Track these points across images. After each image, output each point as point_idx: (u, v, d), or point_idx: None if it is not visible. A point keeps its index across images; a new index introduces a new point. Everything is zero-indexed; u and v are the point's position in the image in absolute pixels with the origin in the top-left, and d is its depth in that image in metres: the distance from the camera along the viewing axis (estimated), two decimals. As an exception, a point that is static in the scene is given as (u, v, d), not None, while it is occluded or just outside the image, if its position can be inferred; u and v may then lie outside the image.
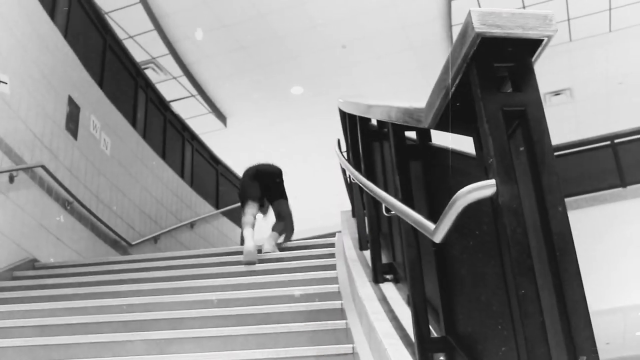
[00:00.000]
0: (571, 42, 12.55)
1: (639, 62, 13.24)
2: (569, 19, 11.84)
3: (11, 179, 6.45)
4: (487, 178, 1.55)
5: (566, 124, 14.61)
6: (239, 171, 13.96)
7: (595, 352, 1.42)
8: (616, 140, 11.64)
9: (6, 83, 6.51)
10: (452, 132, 1.89)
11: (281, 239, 6.91)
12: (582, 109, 14.67)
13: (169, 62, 12.65)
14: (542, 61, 1.63)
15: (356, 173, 4.32)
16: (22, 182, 6.65)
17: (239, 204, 7.49)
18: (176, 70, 12.89)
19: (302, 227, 15.59)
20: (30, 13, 7.16)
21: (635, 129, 11.88)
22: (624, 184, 11.06)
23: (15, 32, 6.82)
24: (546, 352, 1.44)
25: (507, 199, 1.50)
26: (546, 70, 12.60)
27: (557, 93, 14.00)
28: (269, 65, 13.12)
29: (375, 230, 4.26)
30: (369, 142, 4.46)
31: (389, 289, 3.69)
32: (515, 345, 1.55)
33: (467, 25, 1.53)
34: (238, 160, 14.68)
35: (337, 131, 7.58)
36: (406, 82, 13.55)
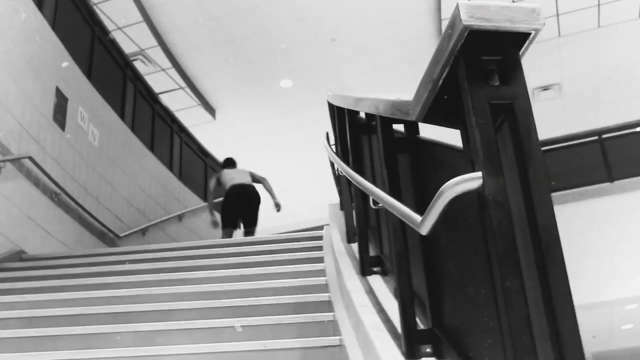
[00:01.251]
0: (560, 37, 12.60)
1: (628, 57, 13.31)
2: (558, 14, 11.87)
3: (-2, 170, 6.42)
4: (474, 171, 1.55)
5: (554, 119, 14.66)
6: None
7: (580, 344, 1.44)
8: (604, 136, 11.70)
9: (-7, 74, 6.48)
10: (440, 125, 1.90)
11: None
12: (571, 104, 14.73)
13: (157, 54, 12.60)
14: (531, 56, 1.64)
15: (344, 166, 4.32)
16: (9, 174, 6.62)
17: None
18: (165, 62, 12.84)
19: (290, 220, 15.61)
20: (17, 3, 7.11)
21: (623, 124, 11.96)
22: (611, 179, 11.13)
23: (1, 23, 6.78)
24: (531, 344, 1.45)
25: (493, 192, 1.51)
26: (535, 66, 12.64)
27: (545, 88, 14.05)
28: (258, 58, 13.10)
29: (362, 222, 4.26)
30: (357, 135, 4.46)
31: (377, 281, 3.70)
32: (500, 337, 1.56)
33: (455, 18, 1.54)
34: (227, 153, 14.71)
35: (326, 124, 7.58)
36: (395, 76, 13.56)
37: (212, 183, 9.17)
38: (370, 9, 11.77)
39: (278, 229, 13.97)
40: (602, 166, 11.34)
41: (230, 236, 8.49)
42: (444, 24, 11.82)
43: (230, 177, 8.94)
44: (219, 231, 9.01)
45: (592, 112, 14.83)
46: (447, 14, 11.73)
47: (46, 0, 7.84)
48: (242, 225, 8.82)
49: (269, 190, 9.03)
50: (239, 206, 8.65)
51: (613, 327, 14.52)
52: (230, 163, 9.54)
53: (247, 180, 8.84)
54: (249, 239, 7.89)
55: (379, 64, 13.41)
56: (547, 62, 13.09)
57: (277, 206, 9.03)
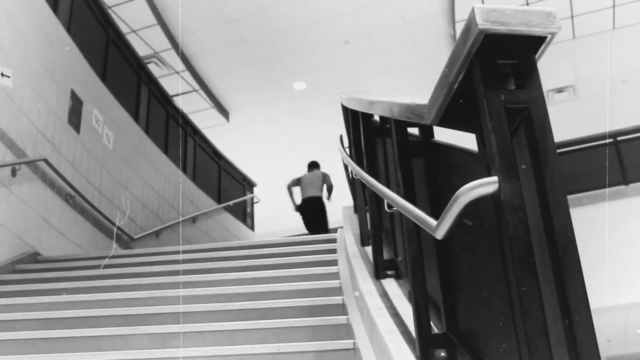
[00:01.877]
0: (575, 39, 12.53)
1: (643, 59, 13.22)
2: (572, 16, 11.81)
3: (14, 173, 6.45)
4: (490, 175, 1.55)
5: (569, 121, 14.58)
6: (241, 166, 14.03)
7: (597, 349, 1.43)
8: (619, 138, 11.62)
9: (9, 77, 6.52)
10: (455, 128, 1.90)
11: None
12: (585, 106, 14.64)
13: (171, 57, 12.64)
14: (545, 58, 1.63)
15: (358, 169, 4.32)
16: (25, 176, 6.65)
17: (240, 199, 8.33)
18: (179, 65, 12.88)
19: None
20: (32, 6, 7.15)
21: (638, 127, 11.86)
22: (626, 182, 11.05)
23: (17, 26, 6.82)
24: (547, 348, 1.44)
25: (509, 197, 1.50)
26: (549, 67, 12.57)
27: (560, 90, 13.98)
28: (271, 60, 13.11)
29: (377, 226, 4.26)
30: (371, 138, 4.46)
31: (391, 285, 3.69)
32: (516, 342, 1.55)
33: (471, 21, 1.53)
34: (240, 155, 14.73)
35: (339, 127, 7.58)
36: (409, 78, 13.54)
37: (290, 182, 10.46)
38: (383, 10, 11.76)
39: (292, 231, 13.99)
40: (617, 169, 11.25)
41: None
42: (458, 26, 11.81)
43: (304, 186, 10.31)
44: (232, 234, 9.36)
45: (607, 114, 14.74)
46: (460, 15, 11.70)
47: (62, 4, 7.88)
48: None
49: (329, 186, 10.23)
50: (309, 216, 10.23)
51: (628, 331, 14.41)
52: (310, 166, 10.61)
53: (314, 192, 10.17)
54: (263, 241, 7.89)
55: (393, 66, 13.39)
56: (561, 64, 13.03)
57: (329, 198, 10.27)
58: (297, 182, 10.41)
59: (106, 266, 6.22)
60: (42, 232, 6.88)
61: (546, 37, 1.55)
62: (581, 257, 1.47)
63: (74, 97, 7.79)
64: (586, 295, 1.45)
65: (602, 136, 11.90)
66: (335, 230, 6.76)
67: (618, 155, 11.44)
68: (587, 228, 9.94)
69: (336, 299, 4.20)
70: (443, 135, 2.38)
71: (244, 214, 13.96)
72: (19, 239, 6.47)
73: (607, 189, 11.05)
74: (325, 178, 10.30)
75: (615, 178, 11.17)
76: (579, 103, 14.52)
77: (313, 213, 10.17)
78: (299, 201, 10.38)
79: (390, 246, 4.05)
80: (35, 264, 6.49)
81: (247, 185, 14.34)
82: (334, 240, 6.34)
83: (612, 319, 12.89)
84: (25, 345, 3.89)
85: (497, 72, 1.58)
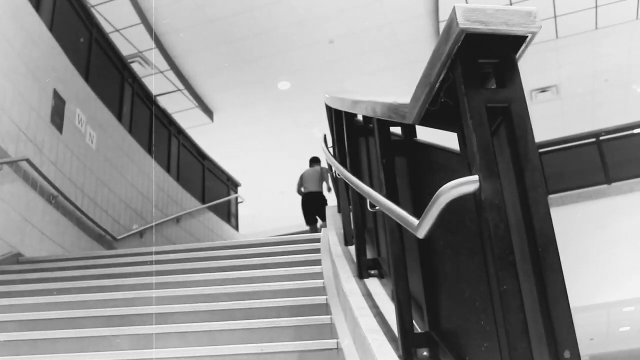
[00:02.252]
0: (558, 39, 12.60)
1: (625, 59, 13.32)
2: (555, 16, 11.88)
3: (-5, 173, 6.41)
4: (471, 174, 1.55)
5: (552, 120, 14.67)
6: (226, 166, 14.01)
7: (577, 347, 1.43)
8: (601, 137, 11.70)
9: (-10, 76, 6.47)
10: (437, 127, 1.90)
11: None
12: (568, 106, 14.74)
13: (155, 56, 12.59)
14: (528, 58, 1.63)
15: (341, 168, 4.32)
16: (7, 176, 6.61)
17: (224, 199, 8.30)
18: (163, 64, 12.84)
19: (288, 223, 15.59)
20: (14, 5, 7.10)
21: (620, 126, 11.96)
22: (608, 181, 11.13)
23: (-1, 25, 6.78)
24: (527, 347, 1.45)
25: (490, 195, 1.51)
26: (533, 67, 12.65)
27: (543, 90, 14.06)
28: (255, 60, 13.10)
29: (360, 225, 4.26)
30: (355, 137, 4.46)
31: (374, 284, 3.70)
32: (497, 341, 1.55)
33: (452, 21, 1.53)
34: (224, 155, 14.71)
35: (324, 126, 7.58)
36: (394, 78, 13.56)
37: (297, 184, 10.73)
38: (368, 10, 11.77)
39: (276, 231, 13.97)
40: (600, 168, 11.34)
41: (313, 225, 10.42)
42: (442, 26, 11.82)
43: (305, 182, 10.56)
44: (217, 234, 9.33)
45: (589, 113, 14.84)
46: (445, 15, 11.72)
47: (44, 3, 7.83)
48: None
49: (327, 181, 10.37)
50: (308, 211, 10.44)
51: (610, 330, 14.52)
52: (311, 161, 10.90)
53: (314, 187, 10.42)
54: (247, 241, 7.89)
55: (378, 66, 13.41)
56: (544, 64, 13.10)
57: (329, 190, 10.31)
58: (300, 181, 10.63)
59: (89, 267, 6.19)
60: (24, 232, 6.84)
61: (527, 37, 1.55)
62: (564, 256, 1.48)
63: (57, 96, 7.74)
64: (566, 293, 1.46)
65: (585, 135, 11.99)
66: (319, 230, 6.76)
67: (600, 154, 11.52)
68: (570, 227, 10.00)
69: (320, 299, 4.20)
70: (427, 134, 2.38)
71: (228, 213, 13.93)
72: (0, 240, 6.42)
73: (589, 188, 11.12)
74: (322, 173, 10.47)
75: (597, 177, 11.25)
76: (562, 102, 14.61)
77: (312, 207, 10.34)
78: None
79: (374, 245, 4.05)
80: (17, 264, 6.45)
81: (231, 185, 14.31)
82: (318, 240, 6.35)
83: (594, 318, 12.99)
84: (7, 347, 3.86)
85: (478, 71, 1.58)
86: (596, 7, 11.78)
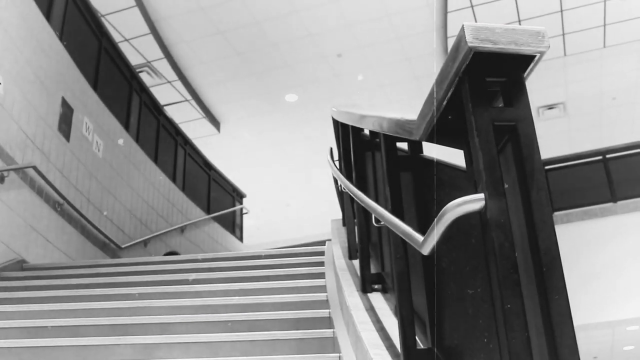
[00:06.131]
0: (566, 57, 12.61)
1: (633, 78, 13.32)
2: (564, 34, 11.90)
3: (2, 179, 6.43)
4: (477, 192, 1.55)
5: (559, 137, 14.67)
6: (231, 177, 14.03)
7: (580, 367, 1.43)
8: (608, 156, 11.69)
9: (0, 83, 6.50)
10: (443, 144, 1.90)
11: None
12: (575, 124, 14.74)
13: (163, 66, 12.65)
14: (535, 75, 1.64)
15: (347, 182, 4.32)
16: (13, 183, 6.63)
17: (229, 210, 7.96)
18: (171, 75, 12.89)
19: (293, 235, 15.60)
20: (25, 14, 7.15)
21: (627, 145, 11.94)
22: (614, 199, 11.11)
23: (10, 33, 6.81)
24: (531, 367, 1.44)
25: (496, 214, 1.51)
26: (540, 84, 12.66)
27: (550, 107, 14.06)
28: (263, 72, 13.14)
29: (364, 240, 4.26)
30: (361, 151, 4.47)
31: (377, 299, 3.69)
32: (500, 359, 1.55)
33: (460, 39, 1.54)
34: (230, 166, 14.73)
35: (330, 140, 7.59)
36: (401, 93, 13.60)
37: None
38: (376, 25, 11.81)
39: (280, 243, 13.97)
40: (606, 186, 11.32)
41: None
42: (450, 42, 11.87)
43: None
44: (221, 244, 9.11)
45: (596, 131, 14.84)
46: (453, 32, 11.76)
47: (54, 11, 7.88)
48: None
49: None
50: None
51: (614, 349, 14.44)
52: None
53: None
54: (251, 253, 7.87)
55: (385, 80, 13.44)
56: (552, 81, 13.11)
57: None
58: None
59: (93, 275, 6.20)
60: (29, 239, 6.85)
61: (535, 56, 1.56)
62: (569, 274, 1.47)
63: (65, 104, 7.77)
64: (570, 313, 1.45)
65: (592, 153, 11.98)
66: (323, 243, 6.76)
67: (607, 172, 11.50)
68: (575, 244, 9.98)
69: (323, 312, 4.19)
70: (433, 149, 2.39)
71: (233, 224, 13.93)
72: (5, 246, 6.44)
73: (595, 206, 11.10)
74: None
75: (604, 195, 11.24)
76: (569, 120, 14.61)
77: None
78: None
79: (378, 260, 4.05)
80: (21, 271, 6.46)
81: (236, 196, 14.32)
82: (322, 253, 6.34)
83: (599, 336, 12.92)
84: (8, 354, 3.86)
85: (485, 90, 1.59)
86: (604, 25, 11.79)
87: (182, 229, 11.09)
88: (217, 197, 13.13)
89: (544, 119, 14.10)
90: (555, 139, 14.45)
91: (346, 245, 5.57)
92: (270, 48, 12.42)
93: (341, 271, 4.63)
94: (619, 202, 11.05)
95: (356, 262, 4.70)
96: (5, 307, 4.83)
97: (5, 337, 4.16)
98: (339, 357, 3.31)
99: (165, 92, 13.13)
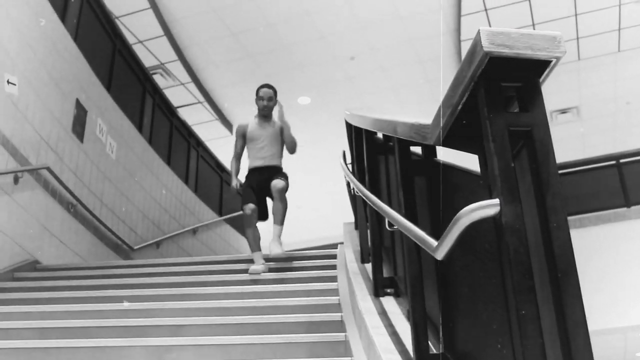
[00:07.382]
0: (580, 61, 12.56)
1: (647, 82, 13.24)
2: (578, 38, 11.85)
3: (16, 180, 6.46)
4: (491, 197, 1.54)
5: (572, 142, 14.59)
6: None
7: (594, 374, 1.42)
8: (622, 160, 11.62)
9: (15, 84, 6.53)
10: (458, 149, 1.90)
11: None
12: (589, 128, 14.66)
13: (177, 68, 12.68)
14: (549, 79, 1.63)
15: (360, 186, 4.31)
16: (27, 184, 6.66)
17: (241, 212, 7.75)
18: (184, 76, 12.91)
19: (305, 237, 15.57)
20: (40, 15, 7.18)
21: (641, 150, 11.87)
22: (628, 204, 11.04)
23: (24, 34, 6.85)
24: (545, 373, 1.43)
25: (510, 219, 1.50)
26: (554, 88, 12.60)
27: (564, 111, 14.00)
28: (276, 74, 13.14)
29: (377, 243, 4.25)
30: (374, 155, 4.46)
31: (390, 303, 3.68)
32: (514, 366, 1.54)
33: (476, 44, 1.53)
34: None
35: (342, 143, 7.58)
36: (414, 95, 13.56)
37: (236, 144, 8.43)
38: (389, 28, 11.80)
39: (292, 246, 13.94)
40: (620, 191, 11.25)
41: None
42: (464, 45, 11.84)
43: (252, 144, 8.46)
44: (233, 247, 9.04)
45: (610, 136, 14.76)
46: (466, 34, 11.73)
47: (69, 13, 7.91)
48: None
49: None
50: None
51: (627, 354, 14.35)
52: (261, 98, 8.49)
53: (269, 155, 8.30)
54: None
55: (398, 83, 13.41)
56: (566, 85, 13.05)
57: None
58: (242, 142, 8.53)
59: (106, 276, 6.21)
60: (42, 240, 6.88)
61: (551, 61, 1.55)
62: (582, 279, 1.47)
63: (79, 106, 7.81)
64: (585, 319, 1.45)
65: (605, 158, 11.92)
66: (336, 246, 6.74)
67: (620, 177, 11.43)
68: (589, 250, 9.92)
69: (335, 316, 4.19)
70: (446, 153, 2.38)
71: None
72: (19, 247, 6.46)
73: (608, 211, 11.04)
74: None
75: (617, 200, 11.17)
76: (582, 124, 14.53)
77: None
78: None
79: (390, 264, 4.04)
80: (34, 272, 6.48)
81: (248, 198, 14.30)
82: (334, 256, 6.33)
83: (611, 342, 12.84)
84: (21, 354, 3.88)
85: (501, 95, 1.58)
86: (619, 29, 11.73)
87: (194, 231, 11.10)
88: (229, 198, 13.14)
89: (557, 123, 14.04)
90: (569, 143, 14.38)
91: (358, 248, 5.56)
92: (283, 50, 12.42)
93: (353, 275, 4.62)
94: (633, 207, 10.98)
95: (368, 266, 4.69)
96: (18, 308, 4.85)
97: (18, 337, 4.17)
98: (351, 360, 3.30)
99: (179, 94, 13.16)
